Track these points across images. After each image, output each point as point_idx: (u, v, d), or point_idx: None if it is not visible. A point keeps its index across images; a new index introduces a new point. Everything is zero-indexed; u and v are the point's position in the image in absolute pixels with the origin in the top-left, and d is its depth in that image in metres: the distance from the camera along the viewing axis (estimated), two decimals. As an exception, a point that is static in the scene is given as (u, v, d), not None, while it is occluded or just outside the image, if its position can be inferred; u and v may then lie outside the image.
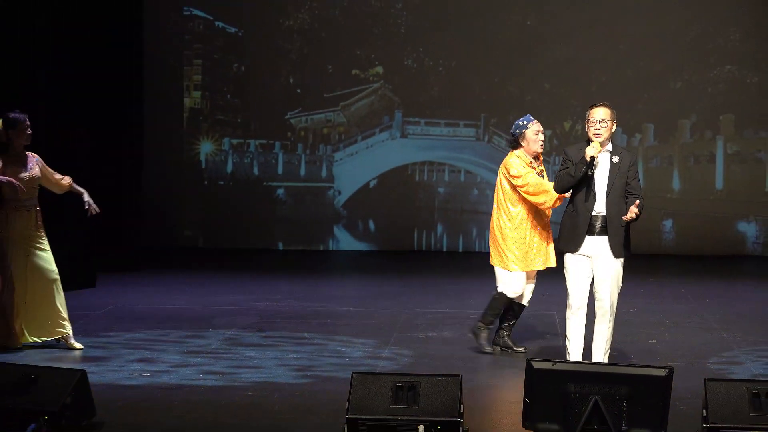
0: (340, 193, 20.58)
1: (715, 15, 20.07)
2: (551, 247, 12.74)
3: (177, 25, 20.24)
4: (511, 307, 12.83)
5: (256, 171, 20.45)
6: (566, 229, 11.67)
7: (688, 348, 13.04)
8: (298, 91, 20.51)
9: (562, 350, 11.88)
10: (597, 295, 11.58)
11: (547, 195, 12.48)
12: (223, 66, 20.47)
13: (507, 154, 12.84)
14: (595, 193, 11.51)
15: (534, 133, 12.72)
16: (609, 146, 11.58)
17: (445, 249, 20.52)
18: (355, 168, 20.57)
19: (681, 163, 20.31)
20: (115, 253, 17.61)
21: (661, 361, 12.08)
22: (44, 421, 9.48)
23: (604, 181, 11.52)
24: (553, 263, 12.72)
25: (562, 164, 11.63)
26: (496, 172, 20.44)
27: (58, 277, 12.84)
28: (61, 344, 12.89)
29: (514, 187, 12.64)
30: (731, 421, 9.74)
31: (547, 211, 12.80)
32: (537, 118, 19.97)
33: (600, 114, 11.53)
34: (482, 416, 10.45)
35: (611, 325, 11.66)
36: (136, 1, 17.95)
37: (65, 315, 12.88)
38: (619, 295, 11.69)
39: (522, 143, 12.74)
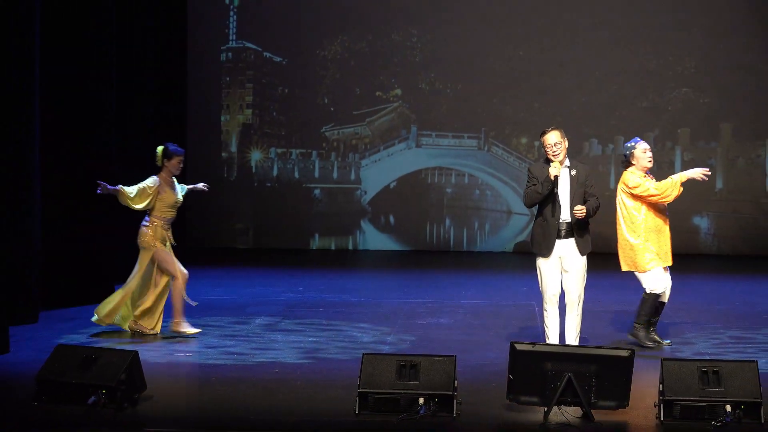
0: (366, 192, 20.31)
1: (673, 48, 19.81)
2: (669, 245, 12.14)
3: (216, 55, 19.93)
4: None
5: (296, 175, 20.18)
6: (538, 236, 11.36)
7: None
8: (332, 109, 20.26)
9: (541, 334, 11.49)
10: (567, 289, 11.28)
11: (670, 188, 11.82)
12: (270, 89, 20.23)
13: (621, 174, 12.15)
14: (560, 204, 11.25)
15: (642, 152, 12.04)
16: (567, 162, 11.30)
17: (452, 240, 20.16)
18: (379, 172, 20.29)
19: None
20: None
21: (624, 343, 11.70)
22: (103, 394, 9.20)
23: (567, 193, 11.25)
24: (670, 261, 12.18)
25: (528, 181, 11.28)
26: (494, 176, 20.93)
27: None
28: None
29: (635, 199, 11.95)
30: (683, 394, 9.44)
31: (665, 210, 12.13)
32: (526, 132, 20.26)
33: (553, 138, 11.31)
34: (473, 390, 10.09)
35: (580, 312, 11.37)
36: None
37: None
38: (585, 287, 11.35)
39: (633, 162, 12.05)
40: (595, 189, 11.53)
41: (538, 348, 9.54)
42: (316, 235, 20.16)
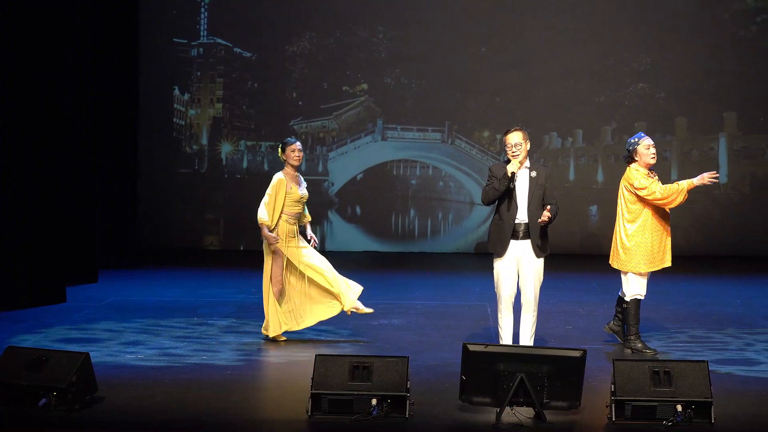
0: (333, 184, 19.86)
1: (630, 45, 19.45)
2: (669, 247, 11.47)
3: (167, 51, 19.40)
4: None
5: (266, 167, 19.67)
6: (494, 236, 10.82)
7: (598, 333, 12.07)
8: (300, 103, 19.79)
9: (494, 335, 10.98)
10: (522, 290, 10.74)
11: (675, 194, 11.18)
12: (240, 83, 19.75)
13: (625, 170, 11.46)
14: (517, 204, 10.67)
15: (645, 148, 11.35)
16: (527, 163, 10.79)
17: (416, 229, 19.76)
18: (345, 164, 19.87)
19: (604, 161, 19.60)
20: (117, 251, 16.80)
21: (576, 344, 11.18)
22: (53, 396, 8.74)
23: (525, 193, 10.69)
24: (669, 262, 11.50)
25: (488, 180, 10.76)
26: (457, 168, 20.54)
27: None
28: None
29: (638, 198, 11.28)
30: (635, 394, 9.04)
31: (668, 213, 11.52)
32: (487, 126, 19.86)
33: (515, 138, 10.75)
34: (426, 391, 9.61)
35: (535, 314, 10.82)
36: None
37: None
38: (541, 288, 10.82)
39: (636, 158, 11.38)
40: (555, 193, 11.00)
41: (490, 349, 9.11)
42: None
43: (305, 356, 10.75)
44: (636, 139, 11.41)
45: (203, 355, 11.07)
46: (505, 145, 10.76)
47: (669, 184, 11.26)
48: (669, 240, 11.41)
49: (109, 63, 16.44)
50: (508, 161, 10.73)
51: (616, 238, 11.41)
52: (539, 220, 10.59)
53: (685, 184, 11.21)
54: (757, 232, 18.99)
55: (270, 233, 11.64)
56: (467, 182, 19.56)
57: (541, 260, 10.76)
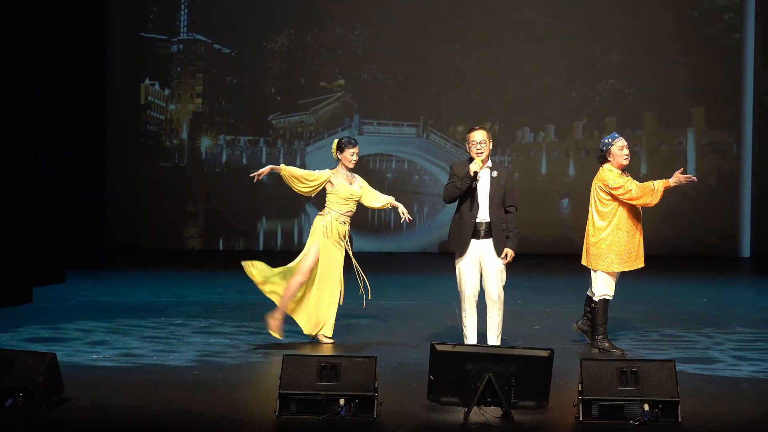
0: (310, 177, 19.27)
1: (602, 42, 19.24)
2: (641, 248, 11.02)
3: (135, 47, 19.07)
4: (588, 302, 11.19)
5: (245, 161, 19.42)
6: (454, 234, 10.47)
7: (566, 332, 11.69)
8: (278, 98, 19.51)
9: (461, 334, 10.59)
10: (486, 289, 10.36)
11: (651, 195, 10.74)
12: (219, 79, 19.45)
13: (598, 170, 11.07)
14: (478, 203, 10.31)
15: (618, 149, 10.89)
16: (489, 163, 10.45)
17: (392, 222, 19.45)
18: (323, 158, 19.24)
19: (575, 155, 19.39)
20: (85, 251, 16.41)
21: (543, 343, 10.79)
22: (20, 396, 8.34)
23: (486, 193, 10.32)
24: (641, 263, 11.07)
25: (449, 178, 10.40)
26: (432, 162, 20.26)
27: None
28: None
29: (612, 198, 10.85)
30: (602, 393, 8.69)
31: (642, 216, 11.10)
32: (462, 121, 19.54)
33: (479, 137, 10.38)
34: (394, 391, 9.22)
35: (501, 313, 10.44)
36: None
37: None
38: (506, 287, 10.44)
39: (609, 158, 10.97)
40: (515, 194, 10.58)
41: (458, 348, 8.74)
42: (264, 218, 19.37)
43: (273, 356, 10.39)
44: (610, 140, 11.03)
45: (171, 355, 10.64)
46: (469, 143, 10.40)
47: (644, 183, 10.88)
48: (642, 240, 11.03)
49: (76, 60, 15.98)
50: (470, 160, 10.37)
51: (587, 237, 11.03)
52: (504, 262, 10.29)
53: (660, 185, 10.82)
54: (723, 223, 18.73)
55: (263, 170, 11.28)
56: (442, 176, 19.26)
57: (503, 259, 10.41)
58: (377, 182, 19.59)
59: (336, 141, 11.49)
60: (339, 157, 11.42)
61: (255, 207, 19.34)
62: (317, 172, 11.38)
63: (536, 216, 18.83)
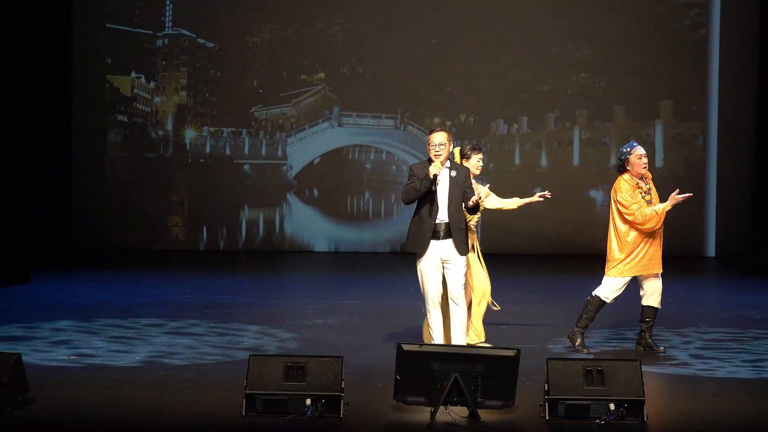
0: (291, 168, 19.02)
1: (573, 37, 18.74)
2: (658, 253, 10.48)
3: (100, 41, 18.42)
4: (642, 310, 10.60)
5: (228, 151, 18.86)
6: (413, 235, 9.89)
7: (532, 332, 11.18)
8: (261, 91, 18.95)
9: (428, 334, 10.05)
10: (449, 289, 9.79)
11: (654, 220, 10.25)
12: (203, 72, 18.88)
13: (616, 179, 10.55)
14: (437, 204, 9.75)
15: (637, 158, 10.35)
16: (447, 163, 9.82)
17: (371, 211, 18.97)
18: (304, 149, 19.08)
19: (547, 146, 18.95)
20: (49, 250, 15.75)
21: (510, 343, 10.15)
22: None
23: (445, 193, 9.76)
24: (659, 269, 10.50)
25: (408, 179, 9.83)
26: (409, 153, 19.80)
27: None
28: None
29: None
30: (568, 393, 8.25)
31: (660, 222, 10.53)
32: (438, 113, 19.09)
33: (438, 138, 9.80)
34: (360, 391, 8.71)
35: (464, 312, 9.86)
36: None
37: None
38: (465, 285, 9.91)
39: (627, 167, 10.44)
40: (472, 192, 9.94)
41: (424, 348, 8.28)
42: (246, 207, 18.88)
43: (240, 356, 9.87)
44: (628, 149, 10.50)
45: (137, 356, 10.11)
46: (429, 144, 9.84)
47: (648, 210, 10.35)
48: (660, 244, 10.51)
49: (41, 56, 15.42)
50: (430, 161, 9.82)
51: (608, 242, 10.51)
52: (470, 202, 9.69)
53: (661, 208, 10.36)
54: (689, 223, 18.26)
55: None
56: (419, 166, 18.76)
57: (464, 258, 9.85)
58: (356, 172, 19.42)
59: (458, 149, 10.42)
60: (464, 163, 10.33)
61: (238, 196, 18.85)
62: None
63: (493, 237, 18.33)
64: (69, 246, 16.36)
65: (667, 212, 10.44)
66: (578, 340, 10.50)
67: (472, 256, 10.38)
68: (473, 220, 10.33)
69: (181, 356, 10.10)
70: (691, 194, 10.70)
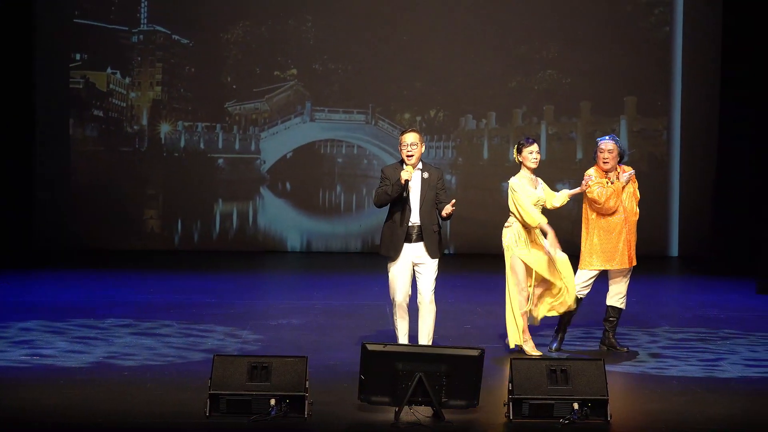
0: (265, 162, 18.62)
1: (540, 34, 18.45)
2: (623, 248, 10.16)
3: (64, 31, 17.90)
4: (607, 310, 10.30)
5: (202, 146, 18.47)
6: (386, 238, 9.56)
7: (497, 332, 10.84)
8: (234, 87, 18.56)
9: (393, 335, 9.73)
10: (419, 291, 9.47)
11: (611, 198, 9.96)
12: (178, 68, 18.48)
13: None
14: (410, 207, 9.42)
15: (599, 151, 10.04)
16: (420, 165, 9.48)
17: (342, 204, 18.63)
18: (276, 144, 18.69)
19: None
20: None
21: (474, 343, 9.87)
22: None
23: (417, 196, 9.42)
24: (626, 264, 10.17)
25: (381, 181, 9.52)
26: (380, 148, 19.55)
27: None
28: None
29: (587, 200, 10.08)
30: (532, 393, 8.00)
31: (627, 217, 10.23)
32: (409, 109, 18.77)
33: (410, 138, 9.48)
34: (325, 391, 8.41)
35: (433, 316, 9.54)
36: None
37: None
38: (437, 288, 9.58)
39: (596, 160, 10.12)
40: (448, 193, 9.69)
41: (389, 348, 7.99)
42: (220, 200, 18.54)
43: (204, 356, 9.54)
44: (598, 140, 10.21)
45: (101, 356, 9.75)
46: (400, 144, 9.51)
47: (605, 189, 10.05)
48: (623, 239, 10.15)
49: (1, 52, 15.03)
50: (401, 162, 9.49)
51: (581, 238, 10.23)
52: (443, 212, 9.38)
53: (619, 185, 10.05)
54: (653, 224, 17.94)
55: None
56: (389, 160, 18.44)
57: (436, 261, 9.53)
58: (328, 166, 19.10)
59: (516, 145, 10.01)
60: (519, 159, 9.95)
61: (212, 189, 18.48)
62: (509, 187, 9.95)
63: (477, 198, 18.13)
64: (33, 244, 15.86)
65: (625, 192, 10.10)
66: (556, 344, 10.21)
67: (532, 251, 9.84)
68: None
69: (145, 356, 9.76)
70: (633, 171, 10.34)
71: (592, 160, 10.40)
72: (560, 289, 9.83)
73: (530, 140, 9.95)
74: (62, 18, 17.95)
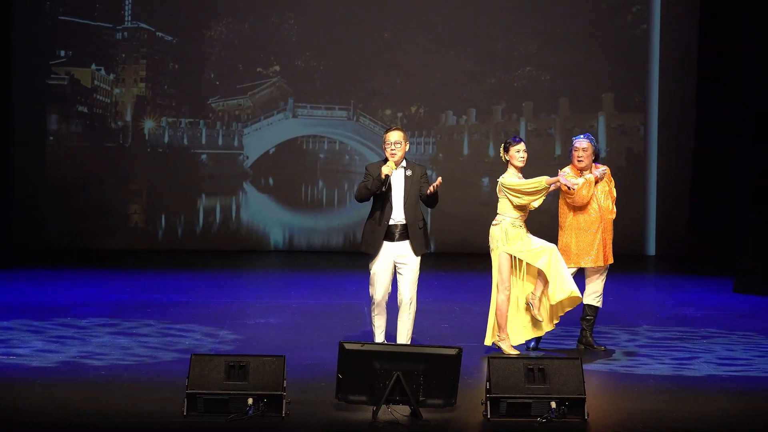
0: (248, 157, 18.41)
1: (520, 31, 18.33)
2: (598, 246, 9.96)
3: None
4: (583, 308, 10.07)
5: (185, 141, 18.25)
6: (367, 235, 9.33)
7: (474, 331, 10.63)
8: (217, 83, 18.32)
9: (370, 334, 9.54)
10: (400, 290, 9.26)
11: (582, 189, 9.72)
12: (161, 64, 18.25)
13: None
14: (392, 204, 9.18)
15: (574, 150, 9.83)
16: (403, 162, 9.25)
17: (324, 199, 18.44)
18: (259, 139, 18.47)
19: (495, 137, 18.40)
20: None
21: (451, 342, 9.69)
22: None
23: (401, 193, 9.18)
24: (601, 262, 9.95)
25: (364, 177, 9.28)
26: (361, 143, 19.36)
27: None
28: None
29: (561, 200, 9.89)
30: (510, 391, 7.81)
31: (602, 215, 10.02)
32: (390, 105, 18.61)
33: (394, 137, 9.22)
34: (302, 390, 8.22)
35: (412, 314, 9.33)
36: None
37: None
38: (420, 287, 9.36)
39: (571, 159, 9.95)
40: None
41: (366, 347, 7.81)
42: (203, 195, 18.33)
43: (181, 356, 9.33)
44: (573, 139, 10.02)
45: (77, 355, 9.50)
46: (384, 143, 9.29)
47: (577, 179, 9.87)
48: (597, 238, 9.97)
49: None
50: (386, 160, 9.27)
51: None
52: (429, 189, 9.10)
53: (591, 177, 9.87)
54: (630, 223, 17.81)
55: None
56: (371, 156, 18.34)
57: (418, 259, 9.32)
58: (310, 162, 18.90)
59: (502, 145, 9.69)
60: (507, 158, 9.61)
61: (195, 184, 18.27)
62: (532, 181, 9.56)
63: (459, 193, 17.97)
64: (11, 242, 15.55)
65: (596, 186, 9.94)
66: (532, 342, 10.04)
67: (522, 245, 9.59)
68: (513, 215, 9.62)
69: (122, 356, 9.53)
70: (606, 168, 10.17)
71: (568, 158, 10.24)
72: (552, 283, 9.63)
73: (517, 139, 9.66)
74: (41, 13, 17.70)
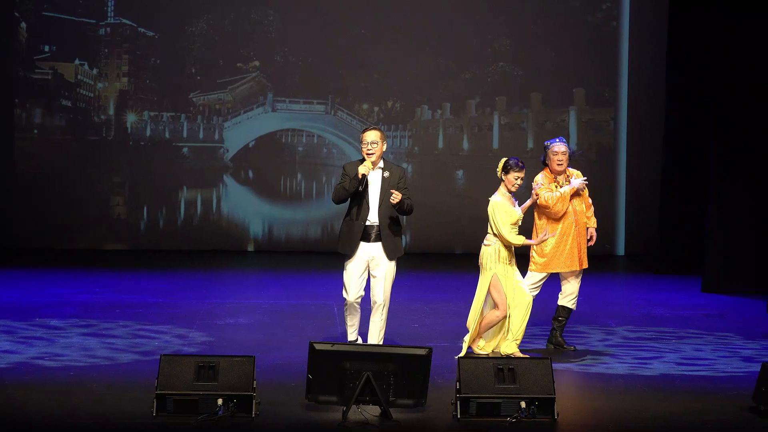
0: (228, 150, 18.05)
1: (493, 28, 18.03)
2: (573, 251, 9.63)
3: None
4: (557, 309, 9.80)
5: (167, 135, 17.87)
6: (344, 235, 8.96)
7: (444, 331, 10.32)
8: (198, 78, 17.95)
9: (340, 335, 9.22)
10: (373, 291, 8.91)
11: (558, 204, 9.41)
12: (143, 59, 17.86)
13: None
14: (368, 205, 8.81)
15: (553, 153, 9.45)
16: (381, 164, 8.87)
17: (303, 191, 18.11)
18: (239, 133, 18.11)
19: (469, 130, 18.15)
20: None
21: (422, 342, 9.36)
22: None
23: (377, 194, 8.82)
24: (576, 266, 9.66)
25: (341, 178, 8.90)
26: (339, 137, 19.03)
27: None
28: None
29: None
30: (479, 391, 7.52)
31: (577, 220, 9.66)
32: (367, 100, 18.27)
33: (371, 137, 8.84)
34: (272, 390, 7.89)
35: (385, 315, 8.98)
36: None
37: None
38: (393, 287, 9.02)
39: (547, 162, 9.59)
40: (410, 191, 9.02)
41: (336, 347, 7.49)
42: (185, 188, 17.95)
43: (150, 356, 8.96)
44: (549, 143, 9.64)
45: (45, 356, 9.10)
46: (361, 143, 8.90)
47: (552, 194, 9.51)
48: (573, 243, 9.62)
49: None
50: (363, 160, 8.90)
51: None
52: (391, 198, 8.73)
53: (567, 190, 9.52)
54: (601, 216, 17.43)
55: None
56: (348, 149, 18.01)
57: (393, 263, 8.94)
58: (289, 155, 18.55)
59: (503, 161, 9.23)
60: (503, 177, 9.19)
61: (176, 177, 17.90)
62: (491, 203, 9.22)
63: (432, 185, 17.68)
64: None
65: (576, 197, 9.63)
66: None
67: (508, 270, 9.26)
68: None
69: (91, 357, 9.16)
70: (587, 179, 9.86)
71: (540, 158, 9.88)
72: (504, 329, 9.29)
73: (521, 165, 9.23)
74: (8, 6, 17.28)
